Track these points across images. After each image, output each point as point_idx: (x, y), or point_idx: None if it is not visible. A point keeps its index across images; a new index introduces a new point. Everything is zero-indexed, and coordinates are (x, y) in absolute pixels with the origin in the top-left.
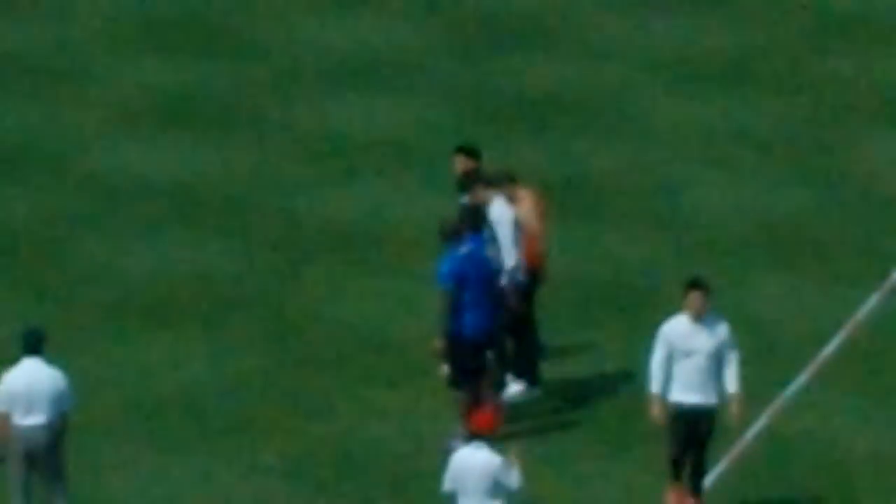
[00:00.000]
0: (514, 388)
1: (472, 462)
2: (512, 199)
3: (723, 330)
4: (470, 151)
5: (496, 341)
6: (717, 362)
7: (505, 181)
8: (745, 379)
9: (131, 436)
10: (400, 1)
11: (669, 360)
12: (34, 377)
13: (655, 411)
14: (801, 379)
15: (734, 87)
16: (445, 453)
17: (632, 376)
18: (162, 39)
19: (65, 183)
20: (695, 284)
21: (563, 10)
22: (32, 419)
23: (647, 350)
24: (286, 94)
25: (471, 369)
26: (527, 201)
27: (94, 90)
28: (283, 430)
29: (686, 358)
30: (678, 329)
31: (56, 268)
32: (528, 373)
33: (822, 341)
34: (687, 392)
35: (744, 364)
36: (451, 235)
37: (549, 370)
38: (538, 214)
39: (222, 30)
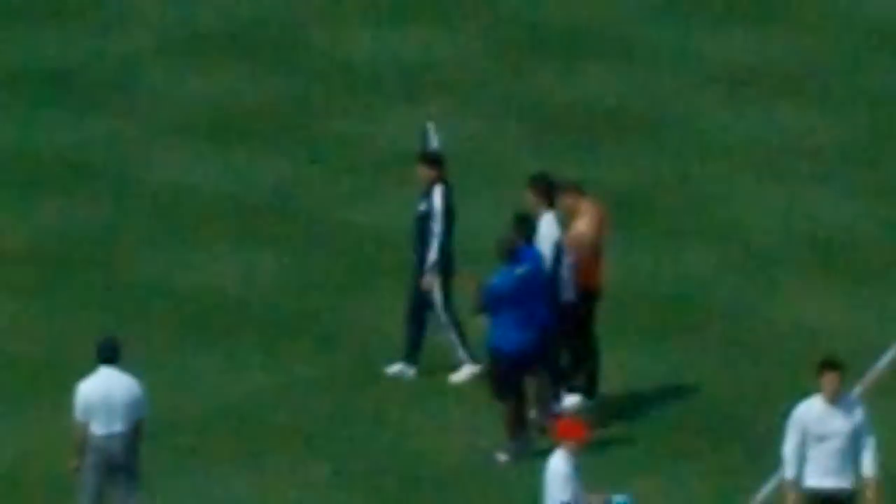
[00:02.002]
0: (570, 400)
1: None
2: (573, 211)
3: (858, 412)
4: (541, 181)
5: (546, 357)
6: (853, 445)
7: (572, 190)
8: (799, 390)
9: (185, 448)
10: (456, 14)
11: (803, 445)
12: (111, 386)
13: (791, 499)
14: (855, 391)
15: (789, 100)
16: (495, 464)
17: (686, 390)
18: (216, 52)
19: (121, 196)
20: (829, 365)
21: (616, 22)
22: (110, 428)
23: (702, 365)
24: (341, 106)
25: (514, 383)
26: (589, 215)
27: (149, 103)
28: (339, 443)
29: (821, 442)
30: (812, 413)
31: (112, 280)
32: (584, 386)
33: (876, 354)
34: (823, 477)
35: (797, 376)
36: (508, 253)
37: (604, 383)
38: (600, 228)
39: (277, 43)
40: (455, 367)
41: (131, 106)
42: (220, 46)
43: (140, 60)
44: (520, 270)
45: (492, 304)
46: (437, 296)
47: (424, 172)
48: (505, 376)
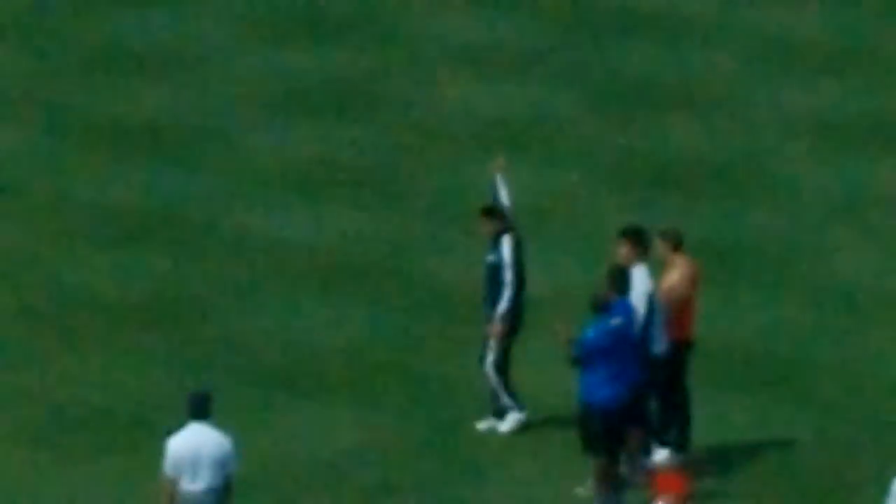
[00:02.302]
0: (661, 454)
1: None
2: (667, 260)
3: None
4: (634, 233)
5: (637, 412)
6: None
7: (668, 238)
8: (892, 448)
9: (278, 503)
10: (545, 67)
11: None
12: (200, 441)
13: None
14: None
15: (877, 152)
16: None
17: (779, 444)
18: (302, 103)
19: (207, 247)
20: None
21: (707, 76)
22: (199, 484)
23: (794, 419)
24: (428, 157)
25: (604, 438)
26: (681, 268)
27: (234, 155)
28: (431, 497)
29: None
30: None
31: (198, 332)
32: (675, 439)
33: None
34: None
35: (885, 431)
36: (601, 306)
37: (696, 437)
38: (693, 282)
39: (364, 93)
40: (500, 414)
41: (218, 157)
42: (308, 98)
43: (228, 112)
44: (614, 323)
45: (585, 357)
46: (494, 345)
47: (487, 225)
48: (596, 431)
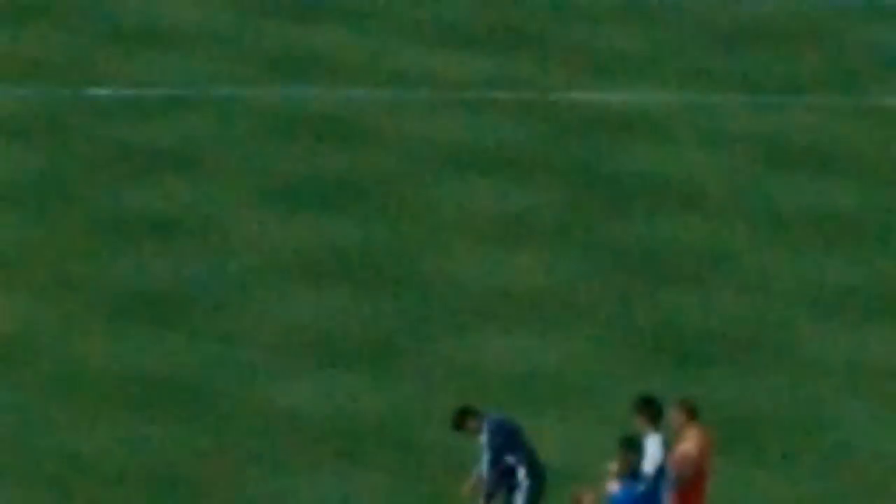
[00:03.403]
0: None
1: None
2: (680, 429)
3: None
4: (647, 404)
5: None
6: None
7: (684, 407)
8: None
9: None
10: (563, 238)
11: None
12: None
13: None
14: None
15: (889, 321)
16: None
17: None
18: (317, 272)
19: (226, 418)
20: None
21: (719, 247)
22: None
23: None
24: (445, 328)
25: None
26: (695, 438)
27: (251, 323)
28: None
29: None
30: None
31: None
32: None
33: None
34: None
35: None
36: (627, 473)
37: None
38: (705, 453)
39: (381, 263)
40: None
41: (234, 326)
42: (323, 266)
43: (243, 281)
44: (641, 489)
45: None
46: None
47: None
48: None
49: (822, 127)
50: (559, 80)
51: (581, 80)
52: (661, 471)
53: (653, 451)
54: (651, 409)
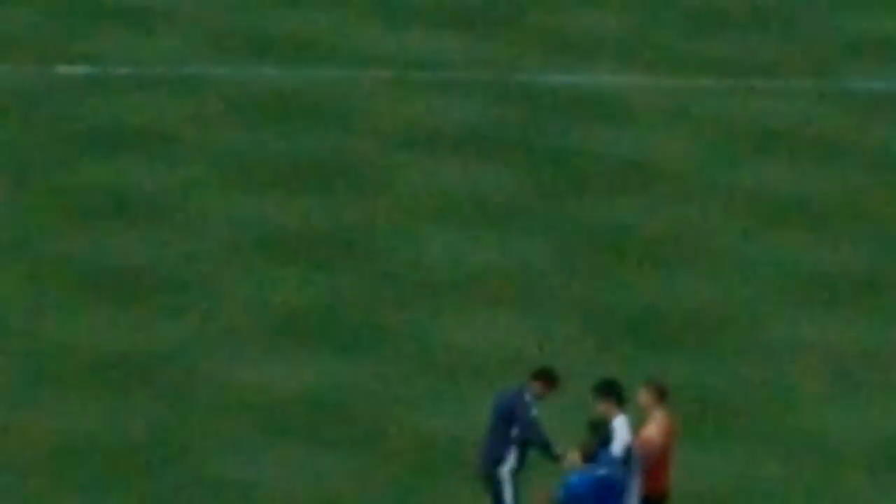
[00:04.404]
0: None
1: None
2: (648, 410)
3: None
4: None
5: None
6: None
7: (652, 388)
8: None
9: None
10: (530, 219)
11: None
12: None
13: None
14: None
15: (861, 307)
16: None
17: None
18: (286, 254)
19: (191, 398)
20: None
21: (686, 230)
22: None
23: None
24: (411, 307)
25: None
26: (659, 422)
27: (216, 302)
28: None
29: None
30: None
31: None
32: None
33: None
34: None
35: None
36: (589, 458)
37: None
38: (669, 435)
39: (347, 242)
40: None
41: (206, 306)
42: (292, 248)
43: (215, 261)
44: (600, 473)
45: (566, 502)
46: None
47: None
48: None
49: (791, 110)
50: (528, 62)
51: (550, 62)
52: (628, 452)
53: (622, 433)
54: (614, 392)
